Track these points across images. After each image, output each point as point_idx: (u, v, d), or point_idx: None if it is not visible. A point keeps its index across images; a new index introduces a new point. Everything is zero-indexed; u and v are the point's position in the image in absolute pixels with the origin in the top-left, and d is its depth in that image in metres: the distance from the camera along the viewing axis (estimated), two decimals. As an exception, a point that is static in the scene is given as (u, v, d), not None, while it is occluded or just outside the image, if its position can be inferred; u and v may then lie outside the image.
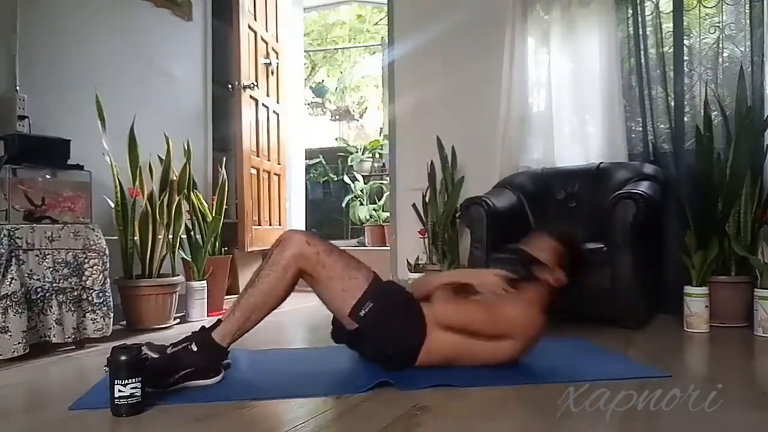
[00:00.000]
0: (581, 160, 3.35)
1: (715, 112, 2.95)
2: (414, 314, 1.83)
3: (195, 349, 1.67)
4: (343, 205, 5.73)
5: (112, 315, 2.43)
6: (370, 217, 5.47)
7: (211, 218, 3.27)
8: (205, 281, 3.13)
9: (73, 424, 1.45)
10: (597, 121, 3.35)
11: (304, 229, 5.08)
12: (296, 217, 4.96)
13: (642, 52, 3.25)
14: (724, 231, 2.70)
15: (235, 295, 3.92)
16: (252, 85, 4.05)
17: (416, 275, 3.60)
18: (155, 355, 1.63)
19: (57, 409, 1.54)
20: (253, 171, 4.09)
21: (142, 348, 1.60)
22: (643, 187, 2.76)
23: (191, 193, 3.17)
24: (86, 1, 3.08)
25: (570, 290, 1.93)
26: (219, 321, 1.76)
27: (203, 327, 1.76)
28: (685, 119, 3.13)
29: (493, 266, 2.96)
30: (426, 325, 1.81)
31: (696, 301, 2.59)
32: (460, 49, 3.76)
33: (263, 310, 1.75)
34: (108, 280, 2.44)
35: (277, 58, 4.49)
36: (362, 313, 1.74)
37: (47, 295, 2.23)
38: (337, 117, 7.89)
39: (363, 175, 5.78)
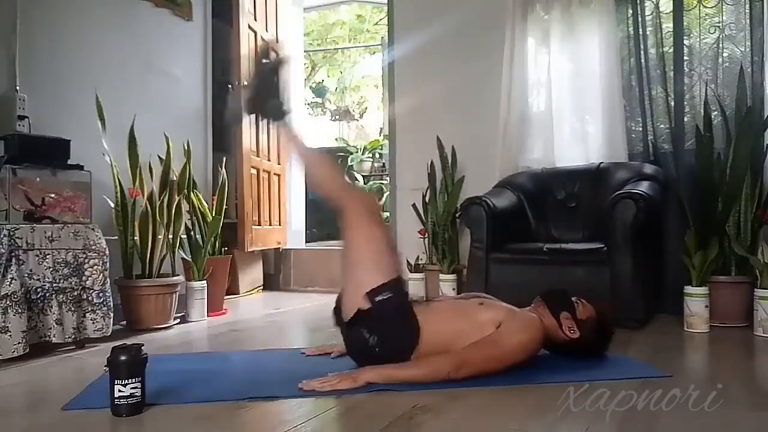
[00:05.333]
0: (581, 160, 3.35)
1: (715, 112, 2.95)
2: (411, 321, 1.79)
3: None
4: (343, 205, 5.72)
5: (112, 315, 2.43)
6: (370, 217, 5.44)
7: (211, 218, 3.26)
8: (205, 281, 3.12)
9: (72, 424, 1.45)
10: (597, 121, 3.35)
11: (303, 229, 5.08)
12: (296, 217, 4.95)
13: (642, 52, 3.25)
14: (724, 231, 2.70)
15: (235, 295, 3.96)
16: (252, 85, 4.05)
17: (417, 275, 3.60)
18: None
19: (57, 410, 1.53)
20: (253, 171, 4.09)
21: None
22: (643, 187, 2.77)
23: (191, 193, 3.16)
24: (86, 2, 3.08)
25: (573, 352, 1.91)
26: None
27: None
28: (685, 119, 3.13)
29: (492, 266, 2.98)
30: (420, 332, 1.78)
31: (696, 301, 2.59)
32: (460, 49, 3.76)
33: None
34: (108, 280, 2.44)
35: (277, 58, 4.48)
36: (379, 298, 1.73)
37: (47, 295, 2.23)
38: (337, 117, 7.91)
39: (363, 175, 5.78)
